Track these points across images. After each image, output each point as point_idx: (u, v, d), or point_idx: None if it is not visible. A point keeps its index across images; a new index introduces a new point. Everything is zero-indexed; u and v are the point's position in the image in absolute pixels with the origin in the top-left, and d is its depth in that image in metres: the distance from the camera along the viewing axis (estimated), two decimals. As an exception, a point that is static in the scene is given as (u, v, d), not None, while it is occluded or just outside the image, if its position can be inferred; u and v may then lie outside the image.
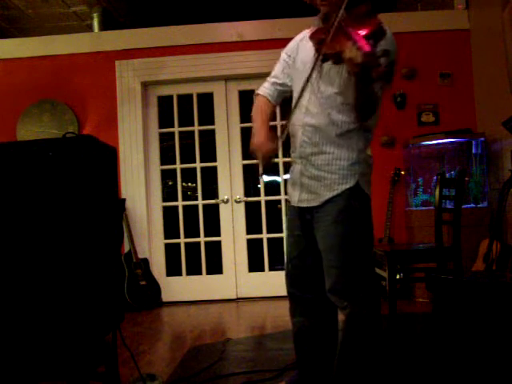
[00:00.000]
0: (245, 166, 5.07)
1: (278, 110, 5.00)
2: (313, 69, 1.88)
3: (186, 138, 5.18)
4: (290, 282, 2.16)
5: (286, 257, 2.18)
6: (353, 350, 1.98)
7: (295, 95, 2.07)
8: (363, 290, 1.95)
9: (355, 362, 1.97)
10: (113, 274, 2.14)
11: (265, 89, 2.20)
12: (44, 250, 1.86)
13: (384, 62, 1.57)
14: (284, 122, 2.08)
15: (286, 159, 4.99)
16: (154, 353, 3.26)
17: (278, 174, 2.14)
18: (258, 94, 2.21)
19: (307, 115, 1.99)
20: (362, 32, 1.63)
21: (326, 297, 2.04)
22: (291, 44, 2.17)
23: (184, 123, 5.13)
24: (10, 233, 1.88)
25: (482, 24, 4.59)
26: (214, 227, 5.05)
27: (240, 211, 5.01)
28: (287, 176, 2.23)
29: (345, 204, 1.94)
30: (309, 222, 2.04)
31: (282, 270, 4.52)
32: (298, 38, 2.15)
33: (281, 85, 2.16)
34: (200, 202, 5.10)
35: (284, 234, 2.29)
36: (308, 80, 1.93)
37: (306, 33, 2.06)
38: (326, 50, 1.72)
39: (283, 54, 2.18)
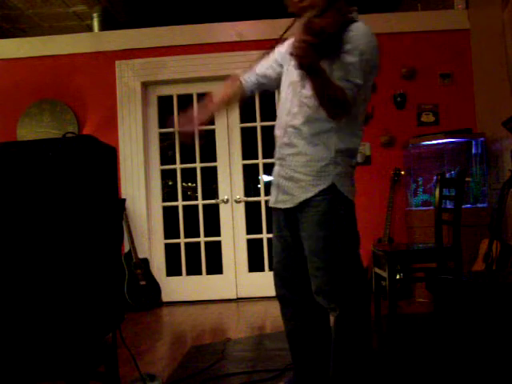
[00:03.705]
0: (245, 166, 5.07)
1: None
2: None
3: (186, 137, 5.17)
4: (281, 283, 2.14)
5: (274, 258, 2.17)
6: (344, 352, 1.98)
7: (280, 97, 2.12)
8: (350, 292, 1.94)
9: (348, 363, 1.97)
10: (113, 274, 2.14)
11: (245, 74, 2.23)
12: (44, 250, 1.86)
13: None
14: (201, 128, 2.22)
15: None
16: (153, 353, 3.26)
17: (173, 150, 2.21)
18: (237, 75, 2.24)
19: (289, 116, 2.00)
20: (314, 31, 1.71)
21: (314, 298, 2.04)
22: (285, 45, 2.17)
23: (184, 123, 5.12)
24: (9, 233, 1.88)
25: (482, 24, 4.59)
26: (214, 227, 5.05)
27: (240, 211, 5.01)
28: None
29: (328, 207, 1.93)
30: (294, 222, 2.04)
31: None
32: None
33: (261, 76, 2.19)
34: (200, 202, 5.10)
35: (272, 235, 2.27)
36: (291, 82, 2.01)
37: None
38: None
39: (276, 50, 2.19)
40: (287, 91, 2.05)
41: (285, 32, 1.92)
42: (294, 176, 1.97)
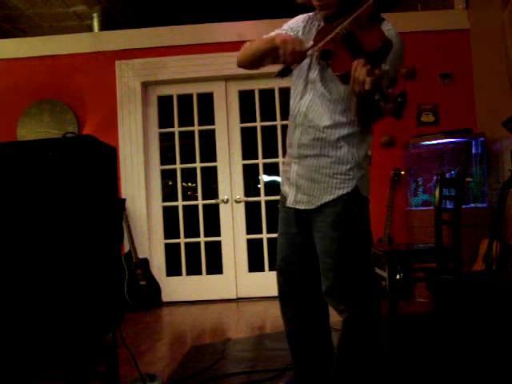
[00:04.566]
0: (245, 166, 5.07)
1: (277, 109, 5.01)
2: (312, 70, 1.88)
3: (186, 137, 5.19)
4: (284, 280, 2.12)
5: (278, 255, 2.13)
6: (350, 354, 1.96)
7: (294, 94, 2.01)
8: (361, 294, 1.93)
9: (353, 365, 1.96)
10: (113, 274, 2.14)
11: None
12: (44, 251, 1.86)
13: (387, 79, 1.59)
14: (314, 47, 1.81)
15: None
16: (153, 353, 3.26)
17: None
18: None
19: (308, 116, 1.93)
20: (369, 49, 1.58)
21: (316, 297, 2.03)
22: (295, 25, 2.03)
23: (184, 123, 5.13)
24: (9, 233, 1.88)
25: (482, 24, 4.59)
26: (214, 227, 5.05)
27: (240, 211, 5.01)
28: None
29: (343, 208, 1.90)
30: (305, 219, 2.01)
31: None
32: (301, 23, 2.02)
33: None
34: (200, 202, 5.10)
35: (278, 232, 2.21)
36: (308, 81, 1.93)
37: (309, 21, 2.00)
38: (334, 70, 1.69)
39: (286, 27, 2.04)
40: (305, 88, 1.95)
41: (322, 41, 1.76)
42: (315, 177, 1.93)
